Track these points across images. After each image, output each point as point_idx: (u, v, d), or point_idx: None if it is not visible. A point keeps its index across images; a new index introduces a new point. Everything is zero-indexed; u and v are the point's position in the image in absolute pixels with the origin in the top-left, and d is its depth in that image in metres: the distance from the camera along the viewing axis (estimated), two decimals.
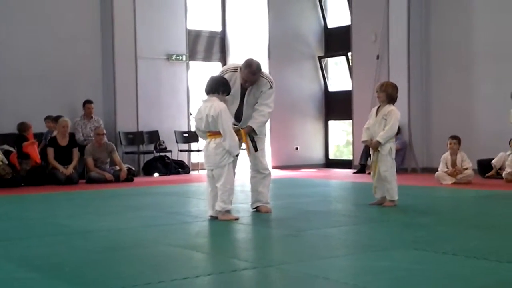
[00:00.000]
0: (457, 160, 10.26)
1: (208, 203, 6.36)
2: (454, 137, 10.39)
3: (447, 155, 10.38)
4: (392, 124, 7.05)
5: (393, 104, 7.21)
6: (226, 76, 6.60)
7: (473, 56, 12.37)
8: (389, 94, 7.14)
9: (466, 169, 10.15)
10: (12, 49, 12.60)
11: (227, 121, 6.14)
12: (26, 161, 11.39)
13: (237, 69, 6.68)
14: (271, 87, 6.72)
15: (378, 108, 7.26)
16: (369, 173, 8.34)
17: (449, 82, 12.71)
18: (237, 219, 6.21)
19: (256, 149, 6.70)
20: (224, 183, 6.13)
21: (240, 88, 6.65)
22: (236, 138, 6.23)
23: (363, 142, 7.47)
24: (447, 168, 10.28)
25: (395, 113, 7.11)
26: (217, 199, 6.23)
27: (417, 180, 11.07)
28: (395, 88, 7.23)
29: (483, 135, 11.17)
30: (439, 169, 10.39)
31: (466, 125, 11.96)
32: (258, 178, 6.82)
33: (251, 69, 6.58)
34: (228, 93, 6.39)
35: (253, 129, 6.62)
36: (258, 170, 6.82)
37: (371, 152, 7.30)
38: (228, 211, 6.21)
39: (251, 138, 6.68)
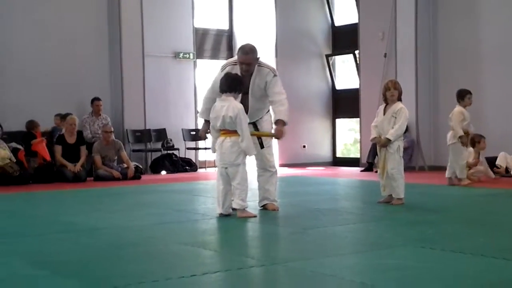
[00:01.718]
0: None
1: (218, 201, 6.35)
2: (482, 136, 10.48)
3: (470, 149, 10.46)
4: (401, 122, 7.05)
5: (401, 102, 7.22)
6: (227, 70, 6.59)
7: (480, 55, 12.33)
8: (400, 91, 7.16)
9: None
10: (20, 47, 12.64)
11: (245, 123, 6.15)
12: (34, 158, 11.44)
13: (236, 62, 6.68)
14: (275, 75, 6.69)
15: (386, 106, 7.25)
16: (377, 171, 8.34)
17: (457, 80, 12.63)
18: (255, 216, 6.23)
19: (262, 146, 6.70)
20: (240, 181, 6.16)
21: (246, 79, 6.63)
22: (251, 140, 6.25)
23: (372, 140, 7.46)
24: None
25: (405, 111, 7.11)
26: (228, 197, 6.27)
27: (425, 178, 11.05)
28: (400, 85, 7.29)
29: (490, 133, 11.12)
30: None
31: (474, 123, 11.87)
32: (266, 176, 6.82)
33: (243, 50, 6.61)
34: (242, 92, 6.41)
35: (284, 122, 6.57)
36: (265, 168, 6.82)
37: (378, 150, 7.29)
38: (245, 209, 6.24)
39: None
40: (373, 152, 12.56)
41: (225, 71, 6.59)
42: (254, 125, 6.73)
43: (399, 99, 7.18)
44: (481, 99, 12.23)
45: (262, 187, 6.85)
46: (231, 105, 6.15)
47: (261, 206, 6.84)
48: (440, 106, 12.96)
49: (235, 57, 6.79)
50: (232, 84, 6.29)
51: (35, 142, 11.42)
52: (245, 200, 6.20)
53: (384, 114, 7.19)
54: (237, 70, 6.61)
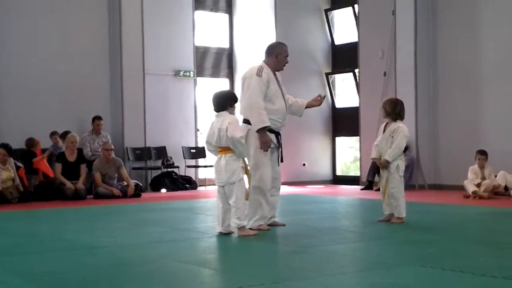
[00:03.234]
0: (485, 173, 10.66)
1: (218, 219, 6.36)
2: (481, 153, 10.79)
3: (475, 168, 10.73)
4: (398, 141, 7.03)
5: (401, 120, 7.19)
6: (264, 75, 6.60)
7: (480, 73, 12.36)
8: (386, 110, 7.13)
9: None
10: (21, 66, 12.67)
11: (238, 126, 6.14)
12: (35, 176, 11.44)
13: (263, 65, 6.73)
14: None
15: (386, 125, 7.25)
16: (377, 190, 8.35)
17: (457, 99, 12.69)
18: (255, 234, 6.23)
19: (282, 159, 6.75)
20: (236, 200, 6.14)
21: (276, 82, 6.73)
22: (244, 144, 6.21)
23: (372, 159, 7.46)
24: (477, 179, 10.63)
25: (402, 130, 7.07)
26: (227, 215, 6.25)
27: (425, 196, 11.04)
28: (394, 104, 7.16)
29: (491, 152, 11.13)
30: (468, 178, 10.68)
31: (474, 142, 11.93)
32: (278, 196, 6.94)
33: (283, 44, 6.89)
34: (236, 102, 6.40)
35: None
36: (279, 187, 6.94)
37: (381, 169, 7.27)
38: (244, 227, 6.22)
39: (280, 148, 6.73)
40: (373, 171, 12.57)
41: (263, 75, 6.59)
42: (279, 137, 6.83)
43: (398, 118, 7.15)
44: (481, 117, 12.28)
45: (273, 207, 6.88)
46: (226, 118, 6.19)
47: (269, 224, 6.85)
48: (440, 124, 12.98)
49: (258, 64, 6.76)
50: (220, 102, 6.32)
51: (36, 160, 11.43)
52: (241, 218, 6.17)
53: (384, 132, 7.20)
54: (270, 71, 6.69)
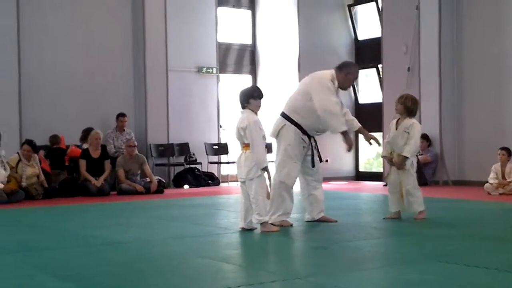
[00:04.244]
0: (505, 172, 10.36)
1: (240, 215, 6.38)
2: (503, 148, 10.50)
3: (497, 166, 10.43)
4: (415, 137, 7.03)
5: (413, 117, 7.19)
6: (333, 84, 6.75)
7: (505, 69, 12.21)
8: (407, 107, 7.12)
9: (510, 182, 10.14)
10: (44, 64, 12.76)
11: (256, 133, 6.15)
12: (63, 172, 11.59)
13: (334, 76, 6.79)
14: None
15: (397, 121, 7.24)
16: (385, 185, 8.31)
17: (481, 94, 12.57)
18: (278, 230, 6.22)
19: (320, 160, 6.82)
20: (255, 195, 6.15)
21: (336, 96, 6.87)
22: (264, 151, 6.25)
23: (382, 157, 7.46)
24: (497, 179, 10.37)
25: (417, 126, 7.11)
26: (249, 211, 6.26)
27: (449, 192, 10.95)
28: (415, 101, 7.23)
29: None
30: (489, 179, 10.42)
31: (499, 138, 11.81)
32: (321, 189, 7.03)
33: (356, 64, 7.02)
34: (257, 97, 6.36)
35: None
36: (320, 181, 7.05)
37: (389, 164, 7.29)
38: (266, 223, 6.21)
39: (316, 148, 6.77)
40: None
41: (337, 85, 6.79)
42: (312, 139, 6.94)
43: (412, 115, 7.14)
44: (507, 113, 12.14)
45: (320, 200, 6.96)
46: (246, 117, 6.21)
47: (318, 219, 6.90)
48: (465, 119, 12.87)
49: (328, 71, 6.88)
50: (241, 98, 6.35)
51: (70, 150, 11.70)
52: (262, 214, 6.16)
53: (396, 129, 7.19)
54: (336, 85, 6.80)
